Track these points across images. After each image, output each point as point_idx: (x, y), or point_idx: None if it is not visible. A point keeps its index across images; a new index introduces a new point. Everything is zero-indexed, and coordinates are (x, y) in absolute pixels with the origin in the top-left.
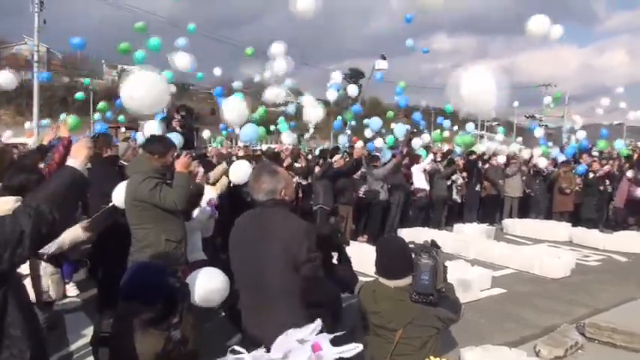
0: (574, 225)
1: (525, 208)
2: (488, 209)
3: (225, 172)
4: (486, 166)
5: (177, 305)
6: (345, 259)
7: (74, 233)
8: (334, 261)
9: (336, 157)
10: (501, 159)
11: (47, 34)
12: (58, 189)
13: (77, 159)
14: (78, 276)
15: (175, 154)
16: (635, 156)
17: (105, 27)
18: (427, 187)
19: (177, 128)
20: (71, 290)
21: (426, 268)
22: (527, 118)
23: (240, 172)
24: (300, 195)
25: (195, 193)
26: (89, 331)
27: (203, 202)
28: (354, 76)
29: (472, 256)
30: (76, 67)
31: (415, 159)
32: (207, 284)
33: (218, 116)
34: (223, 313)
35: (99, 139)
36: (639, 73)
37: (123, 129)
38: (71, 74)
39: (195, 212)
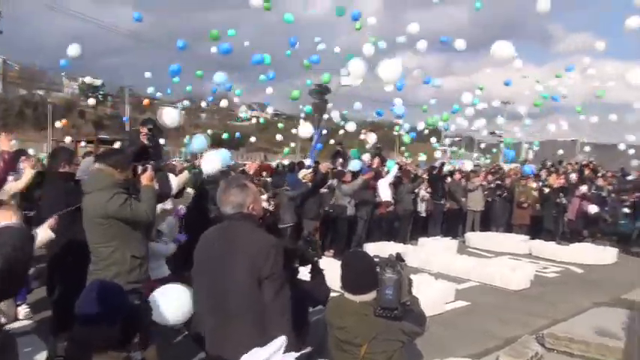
0: (532, 237)
1: (486, 221)
2: (452, 223)
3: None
4: (449, 180)
5: (137, 325)
6: (317, 272)
7: (44, 234)
8: (307, 274)
9: (304, 172)
10: (468, 166)
11: (4, 45)
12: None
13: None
14: (32, 297)
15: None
16: (587, 171)
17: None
18: (392, 200)
19: (145, 141)
20: (24, 312)
21: (390, 282)
22: (489, 134)
23: (211, 161)
24: (271, 210)
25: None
26: (43, 356)
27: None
28: (321, 91)
29: (436, 270)
30: (34, 79)
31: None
32: (171, 302)
33: (183, 131)
34: (186, 332)
35: (58, 154)
36: (593, 92)
37: (83, 143)
38: (29, 87)
39: (164, 225)
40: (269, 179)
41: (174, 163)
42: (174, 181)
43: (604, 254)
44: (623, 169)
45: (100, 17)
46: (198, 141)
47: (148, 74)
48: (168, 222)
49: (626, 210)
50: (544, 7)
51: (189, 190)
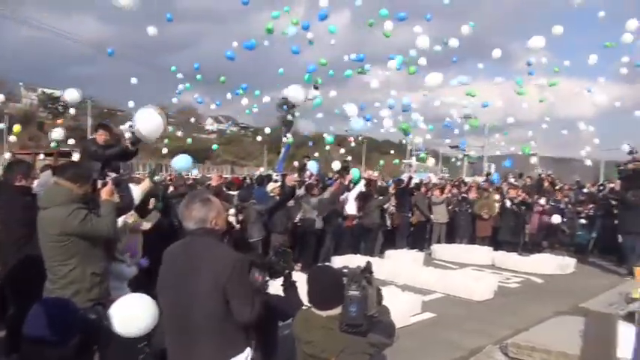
0: (495, 249)
1: (452, 234)
2: (418, 235)
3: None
4: (415, 193)
5: (95, 342)
6: (289, 285)
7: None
8: (280, 287)
9: (272, 186)
10: (432, 178)
11: None
12: None
13: None
14: None
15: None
16: (546, 184)
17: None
18: (358, 214)
19: (101, 145)
20: None
21: (354, 299)
22: (452, 148)
23: (149, 122)
24: (237, 225)
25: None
26: None
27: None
28: (287, 105)
29: (403, 282)
30: None
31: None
32: (133, 311)
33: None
34: (148, 350)
35: (15, 166)
36: (550, 108)
37: (42, 156)
38: None
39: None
40: (235, 193)
41: (138, 176)
42: (136, 191)
43: (563, 264)
44: (579, 182)
45: (62, 27)
46: (182, 161)
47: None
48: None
49: (583, 221)
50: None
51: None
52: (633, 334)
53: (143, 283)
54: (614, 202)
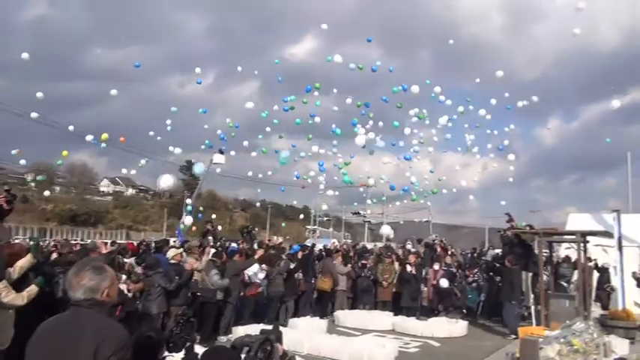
0: (396, 313)
1: (354, 300)
2: (322, 302)
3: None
4: (319, 261)
5: None
6: (191, 358)
7: None
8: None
9: (173, 252)
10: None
11: None
12: None
13: None
14: None
15: None
16: (439, 249)
17: None
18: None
19: (4, 205)
20: None
21: None
22: (353, 214)
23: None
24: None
25: None
26: None
27: None
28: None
29: (306, 351)
30: None
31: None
32: None
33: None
34: None
35: None
36: (441, 181)
37: None
38: None
39: None
40: (132, 260)
41: (17, 241)
42: (15, 268)
43: (456, 327)
44: (475, 249)
45: None
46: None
47: None
48: None
49: (472, 285)
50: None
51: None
52: None
53: None
54: (497, 265)
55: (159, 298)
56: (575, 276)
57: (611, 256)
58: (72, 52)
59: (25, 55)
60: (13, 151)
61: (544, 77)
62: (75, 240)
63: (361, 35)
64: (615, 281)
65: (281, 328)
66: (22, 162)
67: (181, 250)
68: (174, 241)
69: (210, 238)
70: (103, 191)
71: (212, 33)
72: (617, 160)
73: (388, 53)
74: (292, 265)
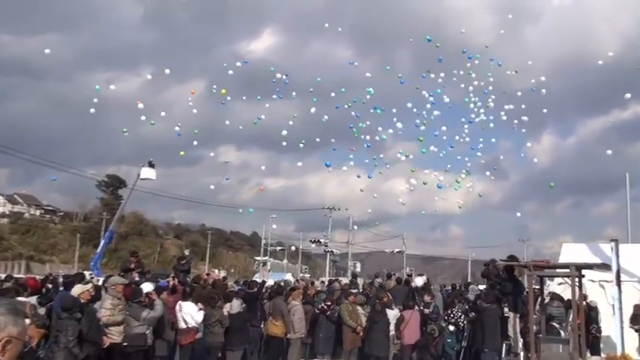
0: None
1: (312, 347)
2: (272, 351)
3: None
4: (267, 302)
5: None
6: None
7: None
8: None
9: (80, 289)
10: (290, 278)
11: None
12: None
13: None
14: None
15: None
16: (413, 285)
17: None
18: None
19: None
20: None
21: None
22: (313, 243)
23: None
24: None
25: None
26: None
27: None
28: (113, 184)
29: None
30: None
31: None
32: None
33: None
34: None
35: None
36: (418, 202)
37: None
38: None
39: None
40: (34, 299)
41: None
42: None
43: None
44: (455, 285)
45: None
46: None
47: None
48: None
49: (451, 328)
50: None
51: None
52: None
53: None
54: (479, 304)
55: (65, 350)
56: (569, 315)
57: (608, 293)
58: None
59: None
60: None
61: (537, 86)
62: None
63: (330, 31)
64: (605, 321)
65: None
66: None
67: (90, 286)
68: (91, 276)
69: (136, 273)
70: None
71: (150, 22)
72: (616, 182)
73: (360, 53)
74: (242, 307)
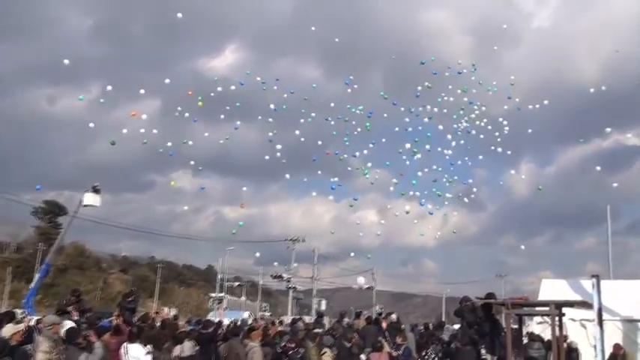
0: None
1: None
2: None
3: None
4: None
5: None
6: None
7: None
8: None
9: (11, 330)
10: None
11: None
12: None
13: None
14: None
15: None
16: (384, 324)
17: None
18: None
19: None
20: None
21: None
22: (274, 278)
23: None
24: None
25: None
26: None
27: None
28: (51, 212)
29: None
30: None
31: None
32: None
33: None
34: None
35: None
36: (389, 234)
37: None
38: None
39: None
40: None
41: None
42: None
43: None
44: (428, 325)
45: None
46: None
47: None
48: None
49: None
50: None
51: None
52: None
53: None
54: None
55: None
56: (550, 357)
57: (590, 332)
58: None
59: None
60: None
61: (515, 111)
62: None
63: (296, 50)
64: None
65: None
66: None
67: (22, 326)
68: (23, 315)
69: (75, 312)
70: None
71: (100, 34)
72: (597, 214)
73: (329, 73)
74: (195, 349)
